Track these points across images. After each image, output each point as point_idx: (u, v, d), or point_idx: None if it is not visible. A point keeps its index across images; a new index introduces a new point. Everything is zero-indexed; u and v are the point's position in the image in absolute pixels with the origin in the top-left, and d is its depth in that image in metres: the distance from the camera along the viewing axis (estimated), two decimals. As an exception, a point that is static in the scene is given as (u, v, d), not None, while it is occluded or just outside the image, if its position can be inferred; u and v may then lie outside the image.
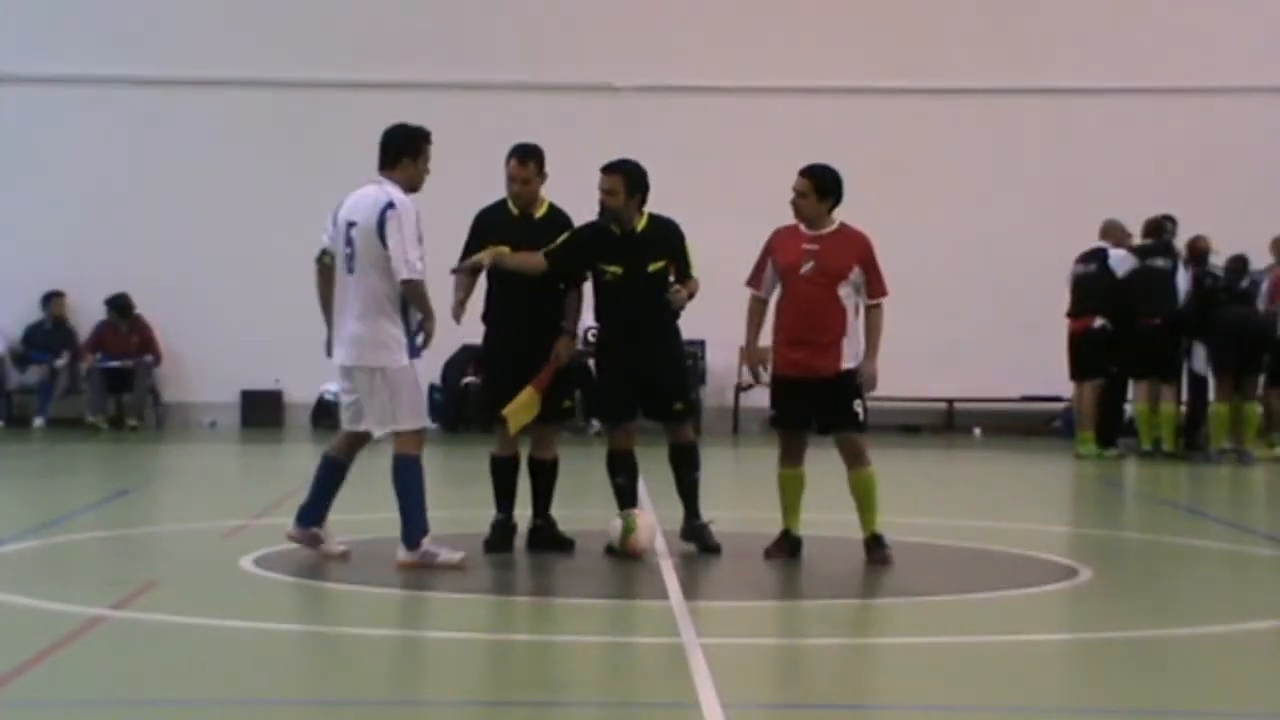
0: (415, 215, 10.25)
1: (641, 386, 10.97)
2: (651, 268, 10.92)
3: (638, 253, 10.92)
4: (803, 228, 10.79)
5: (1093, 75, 23.08)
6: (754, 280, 10.90)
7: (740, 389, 10.67)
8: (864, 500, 10.69)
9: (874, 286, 10.73)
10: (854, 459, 10.70)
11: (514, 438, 10.99)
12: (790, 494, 10.81)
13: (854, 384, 10.66)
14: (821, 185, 10.73)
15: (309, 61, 22.87)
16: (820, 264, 10.65)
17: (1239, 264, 19.03)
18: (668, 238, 11.01)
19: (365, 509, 11.66)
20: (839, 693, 7.47)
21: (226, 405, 23.03)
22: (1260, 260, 19.26)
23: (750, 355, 11.10)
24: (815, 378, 10.63)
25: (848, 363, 10.64)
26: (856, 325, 10.71)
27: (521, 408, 10.81)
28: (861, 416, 10.69)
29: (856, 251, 10.71)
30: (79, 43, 22.93)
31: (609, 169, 10.93)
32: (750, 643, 8.56)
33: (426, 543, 10.25)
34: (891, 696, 7.26)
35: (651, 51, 23.10)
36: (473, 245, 10.99)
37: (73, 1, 23.18)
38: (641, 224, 10.95)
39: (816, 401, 10.67)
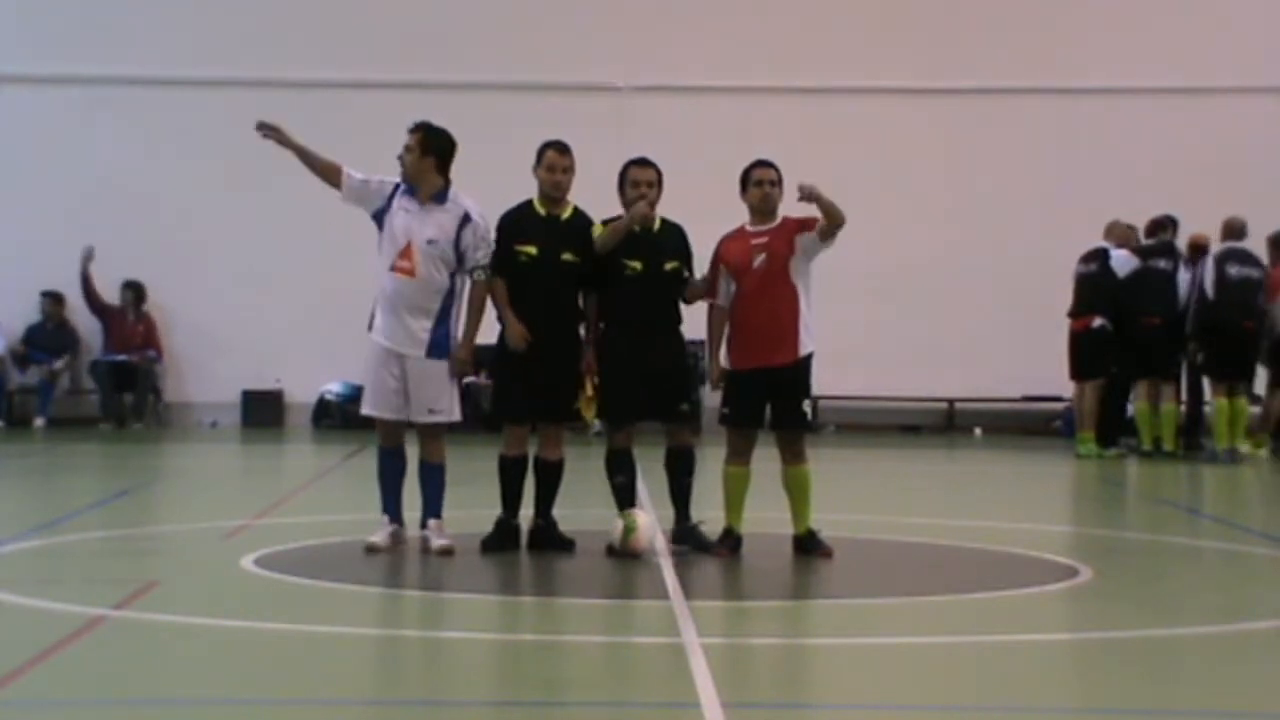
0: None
1: (650, 386, 10.96)
2: (668, 266, 10.98)
3: (656, 251, 10.97)
4: (748, 227, 10.94)
5: (1093, 75, 23.09)
6: (710, 291, 10.96)
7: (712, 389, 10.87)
8: (801, 496, 10.87)
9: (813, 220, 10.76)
10: (796, 456, 10.86)
11: (523, 438, 11.00)
12: (737, 491, 10.90)
13: (807, 377, 10.83)
14: (780, 174, 10.90)
15: (311, 61, 22.88)
16: (770, 251, 10.78)
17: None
18: (680, 241, 11.10)
19: (351, 509, 11.71)
20: (839, 693, 7.48)
21: (227, 405, 23.05)
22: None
23: (716, 368, 11.04)
24: (772, 367, 10.74)
25: (804, 350, 10.76)
26: (809, 313, 10.80)
27: (588, 400, 11.01)
28: (809, 416, 10.92)
29: (794, 225, 10.81)
30: (81, 43, 22.95)
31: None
32: (751, 642, 8.57)
33: (379, 525, 10.88)
34: (891, 696, 7.26)
35: (652, 51, 23.11)
36: (503, 248, 10.93)
37: (76, 2, 23.20)
38: (658, 225, 11.01)
39: (771, 395, 10.78)
